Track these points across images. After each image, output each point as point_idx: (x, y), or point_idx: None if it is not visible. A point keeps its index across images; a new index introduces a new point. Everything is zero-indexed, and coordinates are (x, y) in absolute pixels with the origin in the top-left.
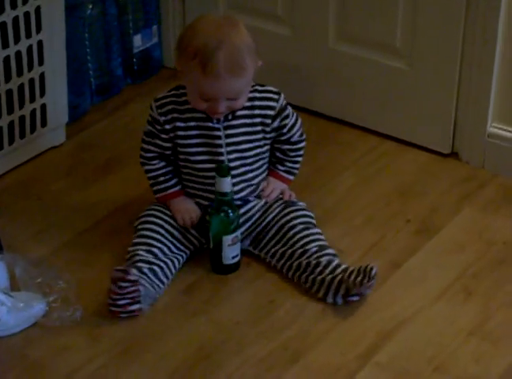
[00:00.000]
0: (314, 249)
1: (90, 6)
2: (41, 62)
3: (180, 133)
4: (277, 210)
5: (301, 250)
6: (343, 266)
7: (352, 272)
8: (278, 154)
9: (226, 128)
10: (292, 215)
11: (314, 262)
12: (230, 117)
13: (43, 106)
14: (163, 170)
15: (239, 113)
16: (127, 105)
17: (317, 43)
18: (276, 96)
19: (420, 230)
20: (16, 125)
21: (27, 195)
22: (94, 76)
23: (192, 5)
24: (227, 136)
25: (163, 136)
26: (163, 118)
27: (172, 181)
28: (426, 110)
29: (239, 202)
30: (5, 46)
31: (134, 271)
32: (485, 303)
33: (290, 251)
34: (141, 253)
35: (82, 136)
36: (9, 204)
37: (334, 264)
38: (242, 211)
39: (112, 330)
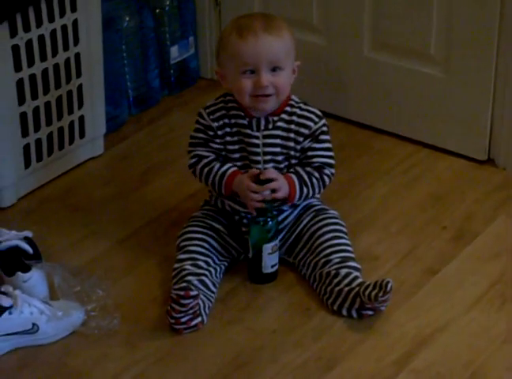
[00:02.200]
0: (337, 259)
1: (127, 19)
2: (79, 74)
3: (227, 138)
4: (308, 218)
5: (324, 260)
6: (360, 280)
7: (367, 286)
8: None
9: (265, 137)
10: (323, 222)
11: (333, 272)
12: (270, 126)
13: (82, 118)
14: (215, 162)
15: (278, 124)
16: (164, 116)
17: (352, 51)
18: (316, 119)
19: (456, 238)
20: (55, 137)
21: (66, 205)
22: (131, 88)
23: (228, 15)
24: (265, 145)
25: (217, 140)
26: (215, 124)
27: (228, 164)
28: (461, 116)
29: (274, 212)
30: (44, 59)
31: (193, 288)
32: None
33: (315, 260)
34: (188, 267)
35: (120, 147)
36: (48, 214)
37: (352, 276)
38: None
39: (150, 338)
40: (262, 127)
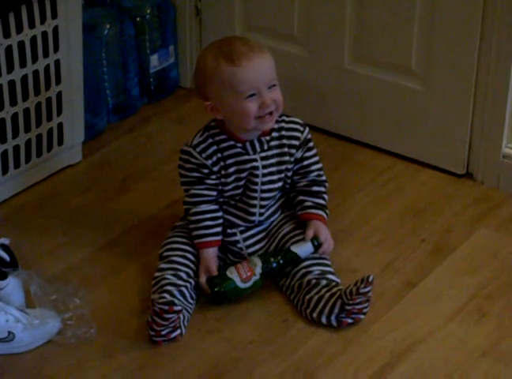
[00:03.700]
0: (317, 271)
1: (107, 26)
2: (58, 81)
3: (222, 172)
4: (289, 228)
5: (304, 271)
6: (340, 287)
7: (348, 286)
8: (302, 196)
9: (262, 159)
10: (303, 235)
11: (313, 282)
12: (265, 147)
13: (60, 125)
14: (209, 215)
15: (272, 144)
16: (143, 124)
17: (332, 63)
18: (301, 128)
19: (435, 251)
20: (34, 144)
21: (43, 212)
22: (111, 96)
23: (209, 25)
24: (264, 166)
25: (213, 176)
26: (209, 162)
27: (214, 230)
28: (440, 130)
29: (266, 224)
30: (23, 65)
31: (175, 300)
32: (499, 324)
33: (294, 271)
34: (168, 277)
35: (98, 155)
36: (25, 221)
37: (333, 284)
38: (263, 227)
39: (127, 348)
40: (258, 149)
